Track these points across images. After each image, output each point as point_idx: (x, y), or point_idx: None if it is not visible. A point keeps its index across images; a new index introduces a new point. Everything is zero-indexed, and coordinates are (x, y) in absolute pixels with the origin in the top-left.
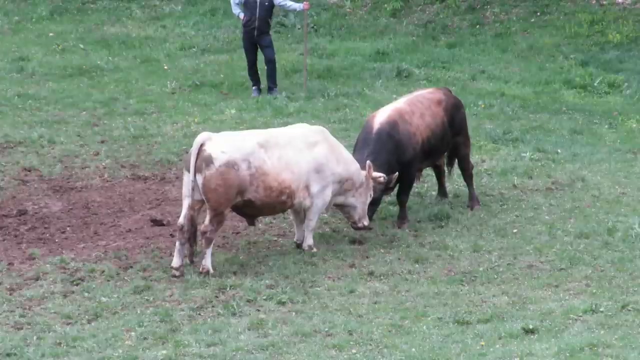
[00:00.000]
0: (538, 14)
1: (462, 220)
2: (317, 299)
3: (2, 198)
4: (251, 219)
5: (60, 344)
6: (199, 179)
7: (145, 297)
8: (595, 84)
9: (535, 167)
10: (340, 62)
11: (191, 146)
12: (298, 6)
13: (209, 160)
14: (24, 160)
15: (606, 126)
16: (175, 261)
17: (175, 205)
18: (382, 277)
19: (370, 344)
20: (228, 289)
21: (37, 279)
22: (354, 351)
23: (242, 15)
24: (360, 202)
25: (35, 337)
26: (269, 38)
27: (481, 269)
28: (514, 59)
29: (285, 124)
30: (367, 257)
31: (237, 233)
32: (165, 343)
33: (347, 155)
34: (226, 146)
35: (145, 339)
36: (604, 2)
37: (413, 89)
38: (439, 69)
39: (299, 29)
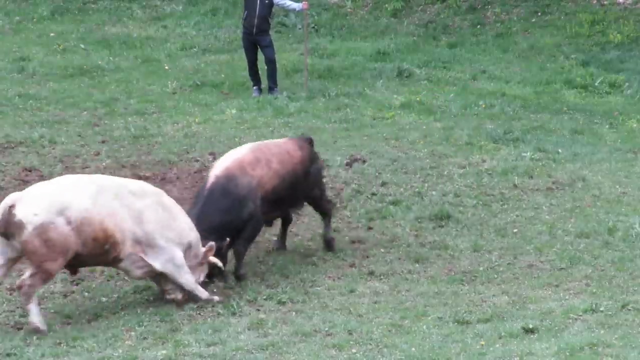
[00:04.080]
0: (539, 14)
1: (462, 220)
2: (317, 298)
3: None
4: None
5: (60, 343)
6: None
7: (145, 297)
8: (596, 84)
9: (536, 167)
10: (341, 62)
11: (192, 146)
12: (297, 6)
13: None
14: (24, 160)
15: (607, 126)
16: None
17: None
18: (382, 277)
19: (370, 344)
20: (228, 288)
21: None
22: (354, 351)
23: None
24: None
25: (35, 337)
26: (268, 38)
27: (481, 268)
28: (515, 59)
29: (286, 124)
30: (367, 257)
31: None
32: (165, 343)
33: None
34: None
35: (145, 338)
36: (605, 2)
37: (414, 88)
38: (439, 69)
39: (299, 29)
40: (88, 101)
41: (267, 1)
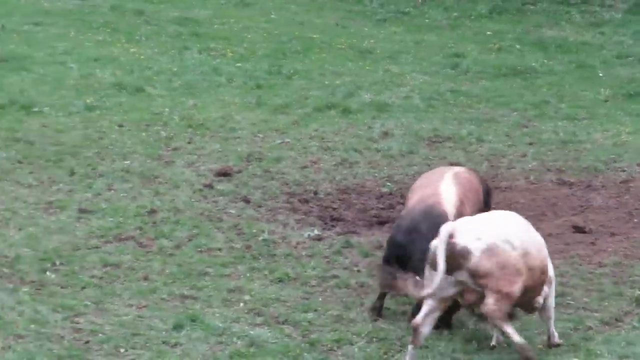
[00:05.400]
0: None
1: None
2: None
3: None
4: None
5: (471, 341)
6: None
7: (560, 303)
8: None
9: None
10: None
11: (620, 156)
12: None
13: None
14: (451, 155)
15: None
16: None
17: (599, 213)
18: None
19: None
20: None
21: None
22: None
23: None
24: None
25: (446, 332)
26: None
27: None
28: None
29: None
30: None
31: None
32: (577, 351)
33: None
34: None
35: (557, 345)
36: None
37: None
38: None
39: None
40: (519, 102)
41: None
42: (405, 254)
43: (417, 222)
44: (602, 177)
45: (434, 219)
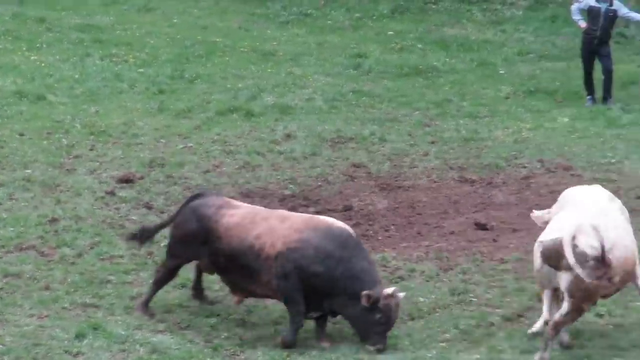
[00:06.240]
0: None
1: None
2: (637, 314)
3: (329, 192)
4: None
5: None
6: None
7: (462, 300)
8: None
9: None
10: None
11: (521, 152)
12: None
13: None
14: (353, 156)
15: None
16: None
17: (500, 210)
18: None
19: None
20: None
21: None
22: None
23: (581, 23)
24: None
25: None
26: (608, 48)
27: None
28: None
29: (618, 136)
30: None
31: None
32: (479, 347)
33: None
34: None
35: (459, 341)
36: None
37: None
38: None
39: (639, 40)
40: (421, 101)
41: (611, 14)
42: (324, 283)
43: (324, 248)
44: (503, 174)
45: (338, 236)
